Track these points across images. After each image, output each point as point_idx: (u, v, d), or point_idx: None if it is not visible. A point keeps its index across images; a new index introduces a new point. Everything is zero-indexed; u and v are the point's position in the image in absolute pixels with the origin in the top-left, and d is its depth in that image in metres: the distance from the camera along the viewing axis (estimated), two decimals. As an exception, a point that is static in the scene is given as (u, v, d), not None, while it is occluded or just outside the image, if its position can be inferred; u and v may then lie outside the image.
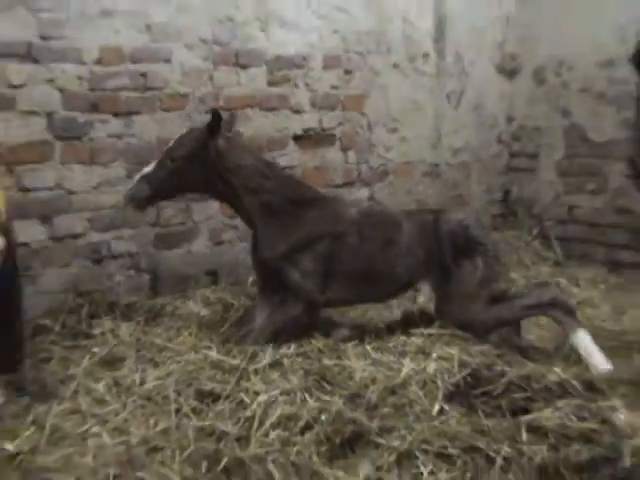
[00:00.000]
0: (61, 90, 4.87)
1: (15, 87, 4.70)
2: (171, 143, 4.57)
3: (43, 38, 4.77)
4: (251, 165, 4.60)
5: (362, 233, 4.67)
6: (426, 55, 6.81)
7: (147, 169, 4.50)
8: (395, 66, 6.61)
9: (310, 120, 6.13)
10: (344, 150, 6.37)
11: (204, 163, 4.49)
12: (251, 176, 4.57)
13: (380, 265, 4.66)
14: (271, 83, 5.84)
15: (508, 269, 5.00)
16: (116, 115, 5.13)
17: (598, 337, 4.66)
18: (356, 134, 6.43)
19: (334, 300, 4.72)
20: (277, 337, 4.42)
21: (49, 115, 4.84)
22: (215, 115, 4.44)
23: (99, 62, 5.00)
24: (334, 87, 6.24)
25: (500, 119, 7.45)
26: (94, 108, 5.02)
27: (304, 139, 6.08)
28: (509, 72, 7.39)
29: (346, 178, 6.36)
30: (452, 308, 4.55)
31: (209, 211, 5.59)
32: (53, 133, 4.87)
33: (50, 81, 4.82)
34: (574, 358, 4.26)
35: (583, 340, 4.27)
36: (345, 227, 4.66)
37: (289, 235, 4.57)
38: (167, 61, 5.33)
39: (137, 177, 4.51)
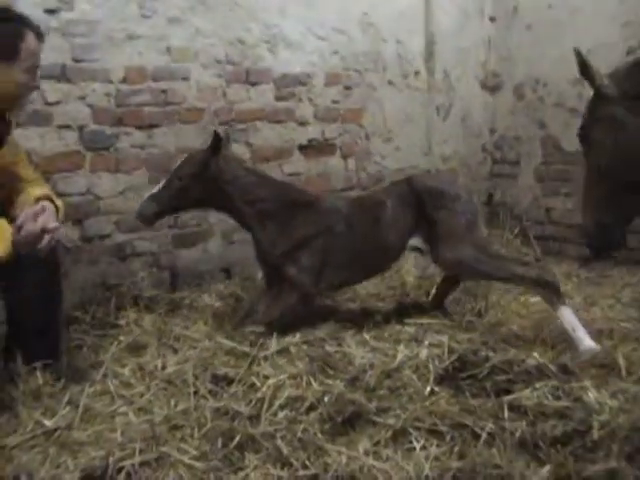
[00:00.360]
0: (91, 106, 4.91)
1: (51, 104, 4.74)
2: (177, 164, 4.59)
3: (75, 60, 4.82)
4: (246, 177, 4.62)
5: (351, 220, 4.70)
6: (417, 73, 6.82)
7: (155, 190, 4.52)
8: (390, 82, 6.62)
9: (313, 131, 6.14)
10: (344, 158, 6.38)
11: (207, 180, 4.51)
12: (246, 187, 4.59)
13: (372, 243, 4.69)
14: (278, 98, 5.86)
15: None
16: (139, 128, 5.15)
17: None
18: (355, 144, 6.44)
19: (335, 284, 4.77)
20: (275, 325, 4.43)
21: (80, 129, 4.88)
22: (216, 136, 4.47)
23: (124, 81, 5.04)
24: (335, 102, 6.25)
25: (484, 130, 7.45)
26: (120, 122, 5.05)
27: (308, 149, 6.09)
28: (492, 88, 7.40)
29: (346, 184, 6.38)
30: (443, 250, 4.55)
31: (222, 214, 5.59)
32: (84, 144, 4.91)
33: (81, 98, 4.86)
34: (551, 343, 4.27)
35: (568, 317, 4.27)
36: (335, 219, 4.68)
37: (288, 236, 4.59)
38: (185, 79, 5.35)
39: (145, 196, 4.53)
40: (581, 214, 3.84)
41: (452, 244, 4.54)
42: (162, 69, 5.22)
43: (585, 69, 3.57)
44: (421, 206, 4.66)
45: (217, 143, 4.49)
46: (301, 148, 6.07)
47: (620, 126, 3.49)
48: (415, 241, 4.76)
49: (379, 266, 4.90)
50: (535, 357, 3.83)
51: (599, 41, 6.32)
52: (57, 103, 4.76)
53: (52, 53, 4.68)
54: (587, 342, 4.15)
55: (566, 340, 4.27)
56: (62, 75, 4.77)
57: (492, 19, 7.33)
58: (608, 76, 3.64)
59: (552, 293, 4.38)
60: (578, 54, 3.56)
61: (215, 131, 4.56)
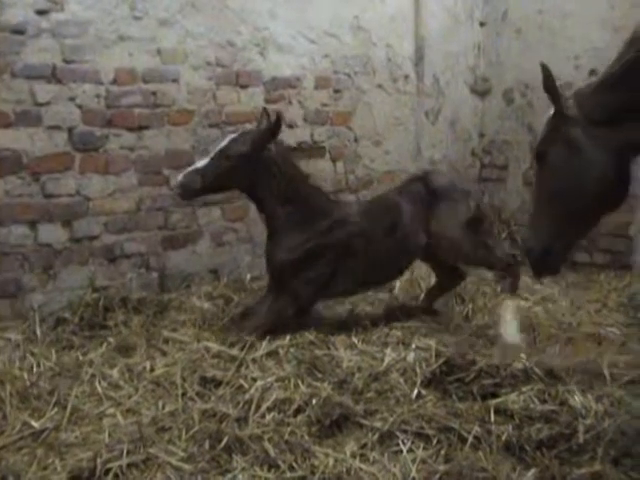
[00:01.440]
0: (81, 107, 4.91)
1: (41, 105, 4.74)
2: (224, 143, 4.45)
3: (66, 61, 4.82)
4: (292, 175, 4.59)
5: (366, 230, 4.67)
6: (407, 77, 6.83)
7: (201, 163, 4.39)
8: (379, 86, 6.63)
9: (303, 134, 6.14)
10: (333, 161, 6.38)
11: (256, 164, 4.39)
12: (288, 185, 4.53)
13: (389, 248, 4.70)
14: (268, 101, 5.84)
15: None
16: (129, 129, 5.15)
17: (558, 329, 4.73)
18: (344, 147, 6.45)
19: (336, 293, 4.77)
20: (269, 331, 4.41)
21: (70, 130, 4.87)
22: (278, 119, 4.39)
23: (114, 82, 5.04)
24: (324, 105, 6.26)
25: (473, 134, 7.48)
26: (109, 123, 5.05)
27: (297, 151, 6.07)
28: (481, 93, 7.43)
29: (335, 186, 6.37)
30: (444, 243, 4.74)
31: (212, 216, 5.60)
32: (73, 146, 4.90)
33: (71, 99, 4.86)
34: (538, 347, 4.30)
35: (507, 307, 4.36)
36: (350, 231, 4.64)
37: (301, 245, 4.54)
38: (175, 81, 5.35)
39: (190, 169, 4.38)
40: (527, 233, 3.82)
41: (453, 238, 4.72)
42: (152, 71, 5.22)
43: (550, 84, 3.45)
44: (434, 202, 4.75)
45: (277, 124, 4.40)
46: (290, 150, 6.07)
47: (576, 151, 3.31)
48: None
49: (398, 268, 4.91)
50: (522, 361, 3.85)
51: (590, 46, 6.36)
52: (47, 104, 4.76)
53: (42, 54, 4.70)
54: (511, 338, 4.20)
55: (553, 344, 4.32)
56: (52, 76, 4.77)
57: (482, 24, 7.36)
58: (572, 95, 3.50)
59: (511, 278, 4.76)
60: (544, 68, 3.47)
61: (277, 112, 4.48)
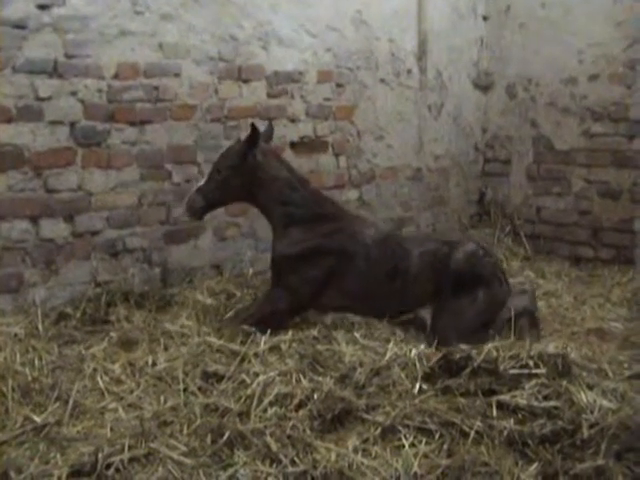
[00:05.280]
0: (83, 102, 4.90)
1: (43, 100, 4.73)
2: (218, 157, 4.71)
3: (67, 56, 4.81)
4: (284, 178, 4.66)
5: (371, 257, 4.57)
6: (410, 71, 6.82)
7: (200, 183, 4.67)
8: (382, 80, 6.62)
9: (305, 129, 6.13)
10: (336, 156, 6.37)
11: (244, 173, 4.58)
12: (282, 188, 4.64)
13: (383, 290, 4.55)
14: (270, 95, 5.85)
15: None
16: (131, 124, 5.14)
17: (561, 324, 4.72)
18: (346, 141, 6.43)
19: (328, 307, 4.68)
20: (263, 321, 4.43)
21: (72, 124, 4.87)
22: (253, 129, 4.53)
23: (116, 77, 5.03)
24: (327, 99, 6.24)
25: (476, 129, 7.46)
26: (111, 118, 5.04)
27: (300, 145, 6.08)
28: (484, 87, 7.41)
29: (337, 181, 6.37)
30: (446, 334, 4.27)
31: (214, 211, 5.59)
32: (75, 140, 4.89)
33: (73, 94, 4.85)
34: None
35: None
36: (356, 248, 4.59)
37: (303, 242, 4.58)
38: (177, 76, 5.34)
39: (193, 190, 4.66)
40: None
41: (458, 333, 4.22)
42: (154, 65, 5.20)
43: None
44: (448, 281, 4.44)
45: (254, 135, 4.54)
46: (293, 145, 6.06)
47: None
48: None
49: (373, 312, 4.61)
50: (524, 356, 3.84)
51: (593, 40, 6.37)
52: (49, 99, 4.75)
53: (44, 49, 4.69)
54: None
55: (557, 339, 4.31)
56: (54, 71, 4.76)
57: (485, 18, 7.34)
58: None
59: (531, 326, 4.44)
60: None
61: (252, 124, 4.61)
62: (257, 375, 3.76)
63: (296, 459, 3.09)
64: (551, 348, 4.01)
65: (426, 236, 4.93)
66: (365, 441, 3.26)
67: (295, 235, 4.61)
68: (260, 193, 4.65)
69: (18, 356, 3.95)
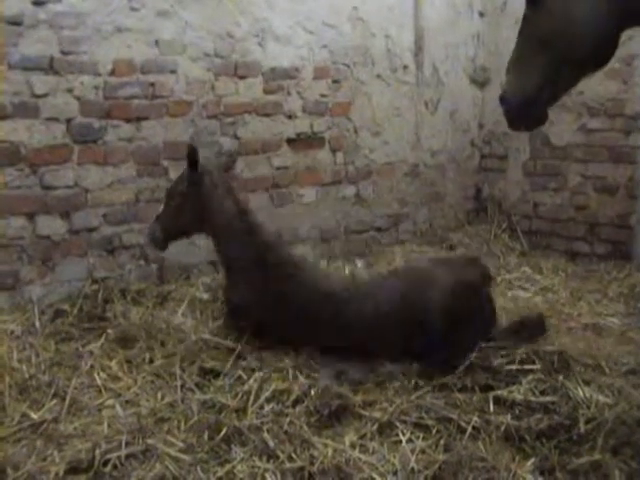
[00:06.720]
0: (79, 99, 4.89)
1: (39, 97, 4.72)
2: (171, 184, 4.59)
3: (63, 53, 4.79)
4: (229, 210, 4.40)
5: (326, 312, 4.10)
6: (406, 67, 6.81)
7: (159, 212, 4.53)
8: (378, 76, 6.61)
9: (302, 125, 6.13)
10: (333, 152, 6.37)
11: (192, 200, 4.38)
12: (229, 221, 4.39)
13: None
14: (267, 92, 5.84)
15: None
16: (127, 121, 5.13)
17: (558, 319, 4.73)
18: (343, 137, 6.43)
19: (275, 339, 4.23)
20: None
21: (68, 121, 4.86)
22: (190, 149, 4.36)
23: (113, 73, 5.02)
24: (323, 95, 6.24)
25: (473, 124, 7.46)
26: (108, 115, 5.03)
27: (296, 142, 6.08)
28: (480, 83, 7.41)
29: (334, 177, 6.37)
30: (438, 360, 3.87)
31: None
32: (71, 137, 4.89)
33: (69, 91, 4.84)
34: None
35: None
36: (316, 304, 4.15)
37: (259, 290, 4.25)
38: (173, 72, 5.33)
39: (154, 218, 4.54)
40: (507, 81, 3.37)
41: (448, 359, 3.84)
42: (150, 62, 5.20)
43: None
44: (431, 320, 3.90)
45: (191, 155, 4.33)
46: (289, 141, 6.05)
47: None
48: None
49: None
50: (522, 351, 3.85)
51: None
52: (45, 95, 4.74)
53: (40, 45, 4.68)
54: None
55: (553, 334, 4.31)
56: (50, 67, 4.75)
57: (481, 14, 7.34)
58: None
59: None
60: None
61: (189, 144, 4.48)
62: (254, 371, 3.79)
63: (293, 455, 3.10)
64: (547, 344, 4.04)
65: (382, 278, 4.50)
66: (362, 437, 3.27)
67: (247, 280, 4.31)
68: (209, 224, 4.44)
69: (15, 353, 3.97)
